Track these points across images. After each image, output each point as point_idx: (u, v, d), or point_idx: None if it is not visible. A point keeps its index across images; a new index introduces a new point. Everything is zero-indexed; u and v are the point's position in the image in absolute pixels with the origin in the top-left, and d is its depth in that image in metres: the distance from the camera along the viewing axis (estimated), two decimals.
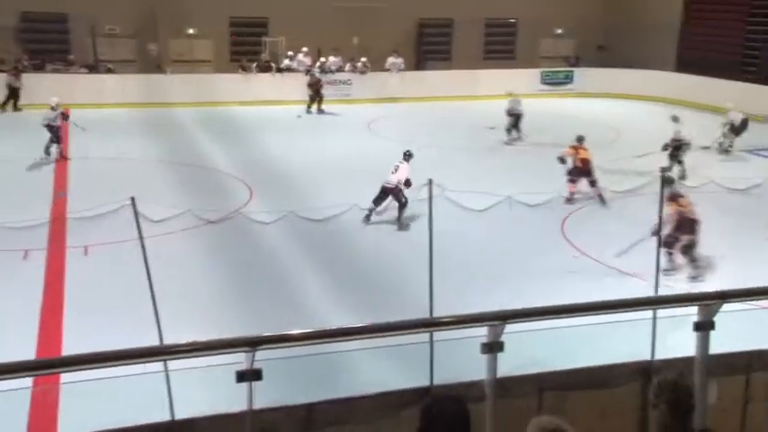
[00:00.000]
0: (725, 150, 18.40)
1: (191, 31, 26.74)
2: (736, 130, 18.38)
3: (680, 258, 10.53)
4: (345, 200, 12.04)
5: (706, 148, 18.43)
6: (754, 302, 6.14)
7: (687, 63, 26.71)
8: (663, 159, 15.65)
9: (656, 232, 7.77)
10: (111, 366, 4.37)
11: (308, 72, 25.52)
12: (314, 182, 15.60)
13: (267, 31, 27.22)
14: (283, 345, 4.76)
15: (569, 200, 13.83)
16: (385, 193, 12.48)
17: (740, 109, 18.94)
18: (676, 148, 16.08)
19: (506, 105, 20.17)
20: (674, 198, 10.45)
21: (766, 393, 5.71)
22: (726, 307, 5.09)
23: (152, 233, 6.73)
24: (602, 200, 13.75)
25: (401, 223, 12.05)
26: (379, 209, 12.58)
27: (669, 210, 10.10)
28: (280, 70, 25.99)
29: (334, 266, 11.02)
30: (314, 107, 23.74)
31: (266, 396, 4.81)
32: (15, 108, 22.57)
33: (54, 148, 16.74)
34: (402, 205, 12.27)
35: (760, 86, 23.02)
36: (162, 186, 14.82)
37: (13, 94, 22.57)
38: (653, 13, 27.46)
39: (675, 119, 16.58)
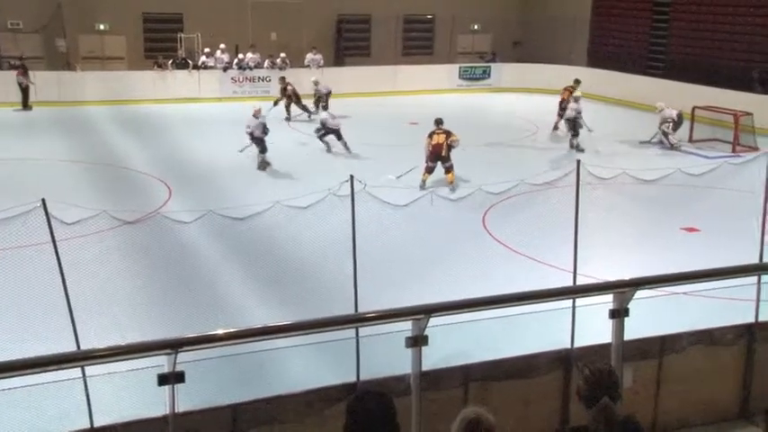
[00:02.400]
0: (675, 147, 18.71)
1: (101, 26, 25.92)
2: (677, 125, 18.94)
3: None
4: (266, 197, 11.90)
5: (645, 142, 19.05)
6: (665, 289, 6.38)
7: (597, 57, 27.55)
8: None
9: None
10: (24, 375, 4.21)
11: (225, 69, 25.19)
12: (234, 180, 15.39)
13: (182, 27, 26.65)
14: (207, 345, 4.69)
15: (421, 187, 14.56)
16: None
17: (651, 103, 19.72)
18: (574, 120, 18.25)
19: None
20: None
21: (677, 376, 5.95)
22: (639, 294, 5.29)
23: (65, 236, 6.48)
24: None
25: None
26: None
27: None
28: (196, 67, 25.51)
29: (257, 265, 10.89)
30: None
31: (191, 399, 4.73)
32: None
33: None
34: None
35: (666, 81, 23.93)
36: (74, 188, 14.33)
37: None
38: (565, 9, 28.20)
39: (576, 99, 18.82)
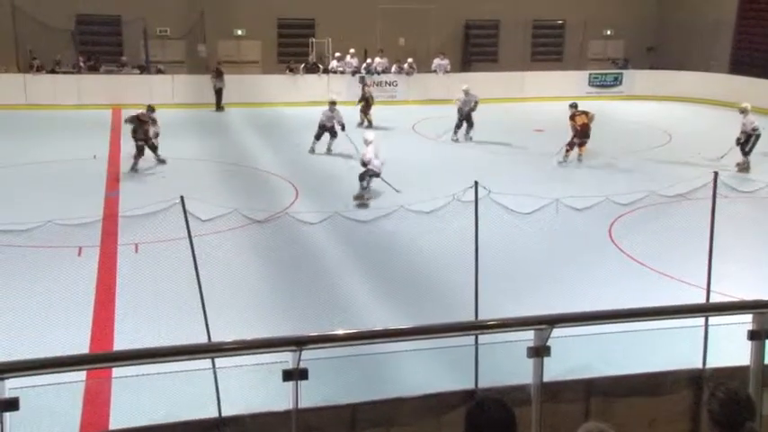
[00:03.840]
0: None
1: (239, 32, 27.07)
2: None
3: None
4: (391, 201, 12.06)
5: None
6: None
7: (741, 64, 26.10)
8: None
9: None
10: (161, 362, 4.46)
11: (354, 73, 25.68)
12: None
13: (314, 33, 27.40)
14: (329, 345, 4.79)
15: (563, 161, 16.81)
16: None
17: None
18: (746, 140, 16.72)
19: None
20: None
21: None
22: None
23: (200, 232, 6.82)
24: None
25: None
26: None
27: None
28: (326, 71, 26.15)
29: (379, 267, 11.04)
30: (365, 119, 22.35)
31: (311, 395, 4.85)
32: None
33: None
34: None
35: None
36: (209, 186, 15.02)
37: None
38: (705, 13, 26.91)
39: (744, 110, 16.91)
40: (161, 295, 9.40)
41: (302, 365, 4.46)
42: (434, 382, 6.13)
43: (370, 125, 21.11)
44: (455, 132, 20.04)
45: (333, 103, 18.38)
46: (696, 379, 5.53)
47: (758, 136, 16.69)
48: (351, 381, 6.40)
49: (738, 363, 5.06)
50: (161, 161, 16.82)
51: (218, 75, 24.00)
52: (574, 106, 17.82)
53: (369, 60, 26.36)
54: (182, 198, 5.91)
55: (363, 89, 22.71)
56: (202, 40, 26.48)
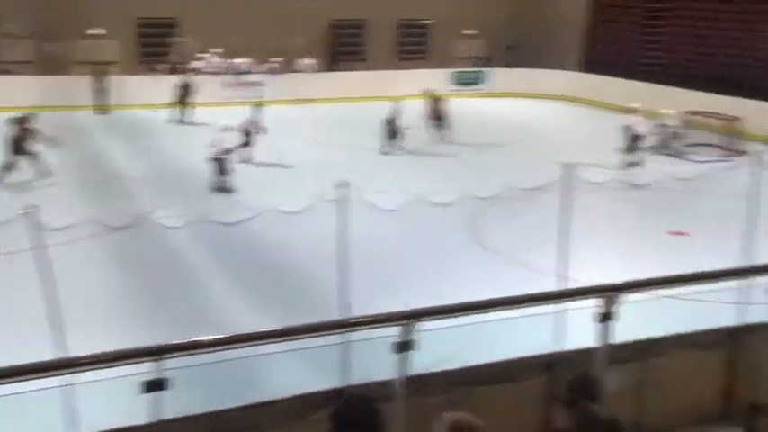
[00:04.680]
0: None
1: (95, 31, 25.91)
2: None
3: None
4: (258, 203, 11.94)
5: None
6: (651, 292, 6.40)
7: (591, 63, 27.64)
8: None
9: None
10: (7, 383, 4.21)
11: (218, 74, 25.24)
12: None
13: (176, 32, 26.67)
14: (193, 352, 4.69)
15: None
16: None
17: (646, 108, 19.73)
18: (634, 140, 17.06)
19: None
20: None
21: (661, 378, 5.98)
22: (625, 297, 5.31)
23: (54, 241, 6.51)
24: None
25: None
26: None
27: None
28: (189, 72, 25.49)
29: (247, 270, 10.92)
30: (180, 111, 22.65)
31: (175, 406, 4.72)
32: None
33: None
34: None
35: (659, 86, 24.03)
36: (63, 194, 14.35)
37: None
38: (560, 14, 28.31)
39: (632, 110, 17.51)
40: (8, 310, 8.88)
41: (166, 375, 4.34)
42: (305, 382, 6.13)
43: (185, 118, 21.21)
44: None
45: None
46: (550, 363, 5.81)
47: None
48: (218, 388, 6.30)
49: (587, 344, 5.35)
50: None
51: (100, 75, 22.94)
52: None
53: (234, 60, 25.96)
54: (29, 208, 5.62)
55: (183, 79, 22.42)
56: (54, 38, 25.14)
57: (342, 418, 3.37)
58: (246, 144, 17.40)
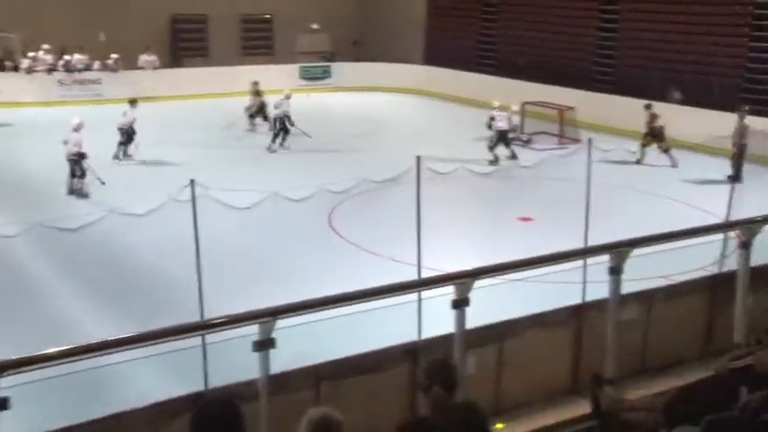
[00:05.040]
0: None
1: None
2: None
3: None
4: (99, 206, 11.39)
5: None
6: (503, 276, 6.67)
7: (433, 56, 28.47)
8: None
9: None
10: None
11: (50, 71, 23.81)
12: (62, 189, 14.57)
13: None
14: (37, 366, 4.39)
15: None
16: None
17: (485, 99, 20.56)
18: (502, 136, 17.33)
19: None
20: None
21: (516, 359, 6.26)
22: (479, 283, 5.50)
23: None
24: None
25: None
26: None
27: None
28: (16, 69, 23.86)
29: (95, 277, 10.38)
30: None
31: (17, 427, 4.41)
32: None
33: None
34: None
35: (497, 78, 25.13)
36: None
37: None
38: (400, 9, 28.93)
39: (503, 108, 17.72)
40: None
41: (3, 393, 4.04)
42: (164, 389, 5.91)
43: None
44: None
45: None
46: (412, 352, 5.93)
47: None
48: (65, 403, 5.94)
49: (448, 331, 5.50)
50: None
51: None
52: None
53: (67, 57, 24.54)
54: None
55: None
56: None
57: (202, 423, 3.27)
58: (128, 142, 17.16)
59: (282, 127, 18.79)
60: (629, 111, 20.14)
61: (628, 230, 6.84)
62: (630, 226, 8.27)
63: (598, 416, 4.23)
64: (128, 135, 17.25)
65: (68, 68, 24.28)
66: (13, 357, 4.21)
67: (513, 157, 17.28)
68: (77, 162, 14.67)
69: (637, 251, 5.96)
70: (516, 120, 19.18)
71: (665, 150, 17.10)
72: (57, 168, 16.05)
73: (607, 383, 4.94)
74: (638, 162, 17.12)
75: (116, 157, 17.16)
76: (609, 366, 5.77)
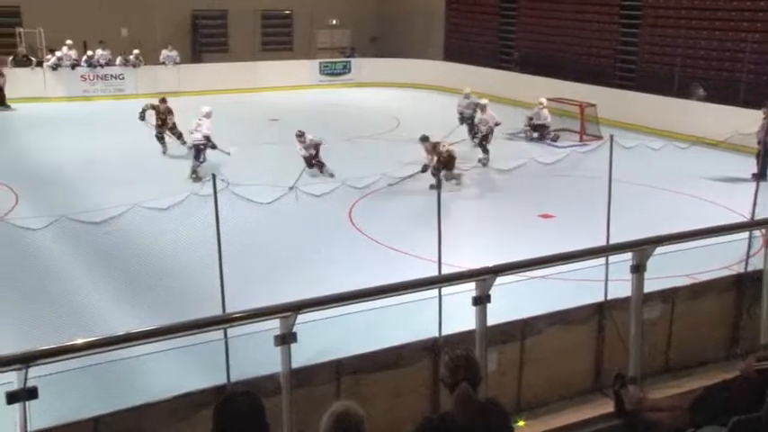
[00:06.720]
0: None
1: None
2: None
3: None
4: (125, 200, 11.42)
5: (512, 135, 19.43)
6: (524, 274, 6.65)
7: (452, 52, 28.38)
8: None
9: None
10: None
11: (74, 66, 24.02)
12: (88, 183, 14.69)
13: (20, 22, 25.08)
14: (64, 357, 4.44)
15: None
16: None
17: (505, 95, 20.48)
18: (484, 137, 17.08)
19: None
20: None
21: (538, 356, 6.24)
22: (500, 280, 5.48)
23: None
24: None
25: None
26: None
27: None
28: (40, 64, 24.09)
29: (118, 271, 10.46)
30: None
31: (46, 415, 4.46)
32: None
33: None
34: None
35: (516, 74, 25.03)
36: None
37: None
38: (420, 4, 28.86)
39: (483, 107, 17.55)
40: None
41: (33, 383, 4.08)
42: (186, 382, 5.95)
43: None
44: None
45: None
46: (433, 348, 5.93)
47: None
48: (92, 393, 5.99)
49: (468, 327, 5.49)
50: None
51: None
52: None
53: (90, 53, 24.74)
54: None
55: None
56: None
57: (225, 415, 3.30)
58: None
59: None
60: (652, 108, 20.03)
61: (650, 228, 6.78)
62: (653, 224, 8.20)
63: (621, 415, 4.21)
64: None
65: (91, 64, 24.47)
66: (40, 348, 4.25)
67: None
68: (202, 148, 15.21)
69: (660, 249, 5.91)
70: (546, 115, 19.13)
71: None
72: (82, 162, 16.27)
73: (630, 382, 4.91)
74: None
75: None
76: (632, 365, 5.73)
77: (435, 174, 13.83)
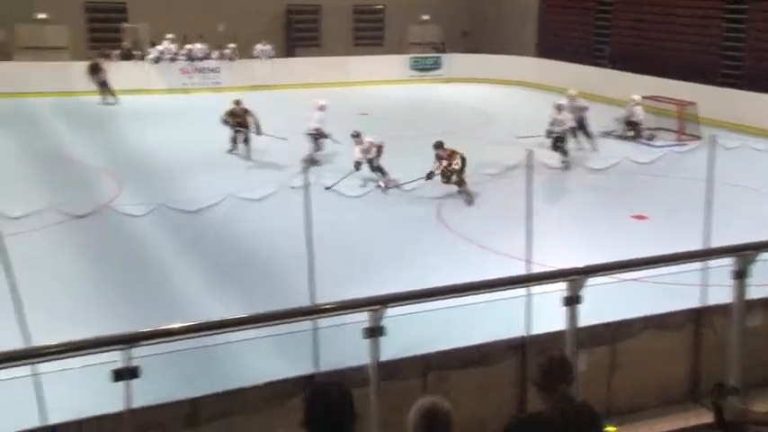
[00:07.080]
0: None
1: (41, 15, 25.21)
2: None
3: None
4: (219, 190, 11.77)
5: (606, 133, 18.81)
6: (616, 275, 6.50)
7: (545, 48, 27.89)
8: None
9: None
10: None
11: (173, 59, 24.89)
12: (186, 173, 15.20)
13: (126, 17, 26.14)
14: (163, 340, 4.63)
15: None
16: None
17: (599, 93, 19.98)
18: (558, 139, 16.01)
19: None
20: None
21: (630, 360, 6.08)
22: (591, 281, 5.38)
23: (12, 230, 6.33)
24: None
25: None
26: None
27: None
28: (143, 58, 25.06)
29: (211, 258, 10.79)
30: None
31: (146, 394, 4.66)
32: None
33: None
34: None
35: (612, 71, 24.40)
36: (18, 182, 13.99)
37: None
38: (512, 0, 28.53)
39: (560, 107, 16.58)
40: None
41: (135, 363, 4.28)
42: (275, 369, 6.09)
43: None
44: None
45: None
46: (520, 347, 5.87)
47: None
48: (188, 375, 6.21)
49: (556, 328, 5.41)
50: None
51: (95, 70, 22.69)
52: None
53: (189, 46, 25.57)
54: None
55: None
56: None
57: (315, 403, 3.35)
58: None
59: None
60: (759, 107, 19.14)
61: (753, 233, 6.51)
62: (756, 228, 7.86)
63: (721, 426, 4.05)
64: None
65: (190, 57, 25.26)
66: (142, 330, 4.44)
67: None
68: (317, 138, 15.82)
69: (764, 255, 5.66)
70: (640, 112, 18.59)
71: None
72: (182, 152, 16.83)
73: (731, 393, 4.73)
74: None
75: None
76: (733, 375, 5.52)
77: (446, 181, 13.34)
